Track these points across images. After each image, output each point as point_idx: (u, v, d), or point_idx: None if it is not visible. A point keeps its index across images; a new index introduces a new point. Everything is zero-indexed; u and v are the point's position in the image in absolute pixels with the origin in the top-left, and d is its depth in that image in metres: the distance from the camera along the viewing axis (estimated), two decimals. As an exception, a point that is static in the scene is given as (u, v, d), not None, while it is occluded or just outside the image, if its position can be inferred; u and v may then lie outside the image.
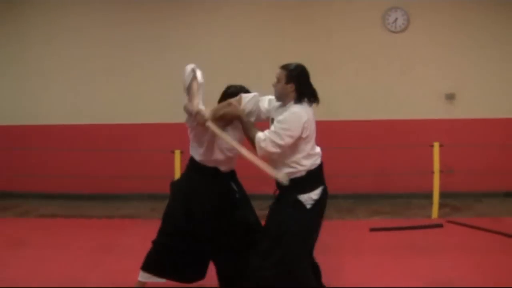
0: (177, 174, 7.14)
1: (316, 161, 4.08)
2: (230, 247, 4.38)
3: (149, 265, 4.56)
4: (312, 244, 4.18)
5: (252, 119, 4.16)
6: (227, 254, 4.42)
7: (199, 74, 4.23)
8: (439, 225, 6.60)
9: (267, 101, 4.27)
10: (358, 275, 5.19)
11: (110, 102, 8.58)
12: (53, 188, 8.64)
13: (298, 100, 4.03)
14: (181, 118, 4.20)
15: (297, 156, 3.99)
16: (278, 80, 4.06)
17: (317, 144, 4.14)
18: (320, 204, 4.03)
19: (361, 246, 6.04)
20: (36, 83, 8.73)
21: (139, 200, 8.36)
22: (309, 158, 4.02)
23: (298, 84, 4.03)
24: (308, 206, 3.96)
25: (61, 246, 6.25)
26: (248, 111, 4.13)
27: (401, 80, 8.15)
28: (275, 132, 3.89)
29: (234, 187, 4.47)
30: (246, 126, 4.08)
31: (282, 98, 4.08)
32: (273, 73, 4.12)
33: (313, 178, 4.04)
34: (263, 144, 3.90)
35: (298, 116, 3.93)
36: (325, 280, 4.34)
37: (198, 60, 4.38)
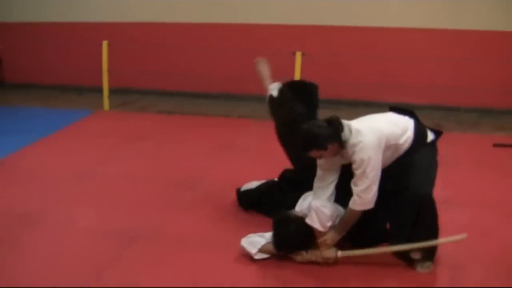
0: (297, 76, 7.05)
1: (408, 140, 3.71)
2: None
3: None
4: None
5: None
6: None
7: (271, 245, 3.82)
8: None
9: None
10: (476, 190, 4.99)
11: (231, 2, 8.46)
12: (171, 86, 8.82)
13: (341, 143, 3.53)
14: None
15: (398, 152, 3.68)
16: (321, 156, 3.58)
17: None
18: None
19: (482, 160, 5.78)
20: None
21: (256, 101, 8.31)
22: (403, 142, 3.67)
23: (334, 137, 3.49)
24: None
25: (179, 141, 6.43)
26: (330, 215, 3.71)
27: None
28: (360, 179, 3.50)
29: None
30: (344, 225, 3.72)
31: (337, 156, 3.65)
32: None
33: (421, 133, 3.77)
34: (359, 202, 3.54)
35: (367, 147, 3.47)
36: (439, 193, 4.16)
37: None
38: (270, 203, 4.48)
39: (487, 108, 7.70)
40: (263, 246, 3.76)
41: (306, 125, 3.58)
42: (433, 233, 3.69)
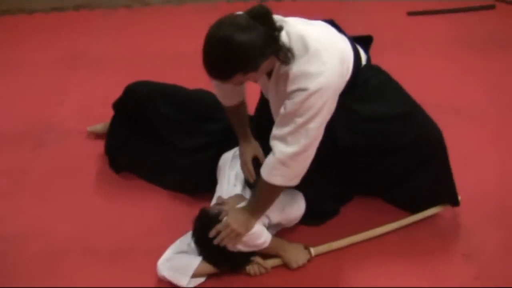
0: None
1: None
2: None
3: None
4: None
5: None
6: None
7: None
8: (491, 6, 5.26)
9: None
10: (417, 85, 3.80)
11: None
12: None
13: (283, 55, 2.12)
14: None
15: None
16: (242, 82, 2.24)
17: None
18: None
19: (404, 37, 4.74)
20: None
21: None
22: None
23: (271, 46, 2.07)
24: None
25: (3, 64, 4.54)
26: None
27: None
28: (293, 135, 2.17)
29: None
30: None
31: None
32: None
33: None
34: (283, 172, 2.23)
35: (329, 84, 2.14)
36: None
37: None
38: (152, 162, 3.20)
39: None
40: (197, 269, 2.44)
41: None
42: (448, 178, 2.78)
